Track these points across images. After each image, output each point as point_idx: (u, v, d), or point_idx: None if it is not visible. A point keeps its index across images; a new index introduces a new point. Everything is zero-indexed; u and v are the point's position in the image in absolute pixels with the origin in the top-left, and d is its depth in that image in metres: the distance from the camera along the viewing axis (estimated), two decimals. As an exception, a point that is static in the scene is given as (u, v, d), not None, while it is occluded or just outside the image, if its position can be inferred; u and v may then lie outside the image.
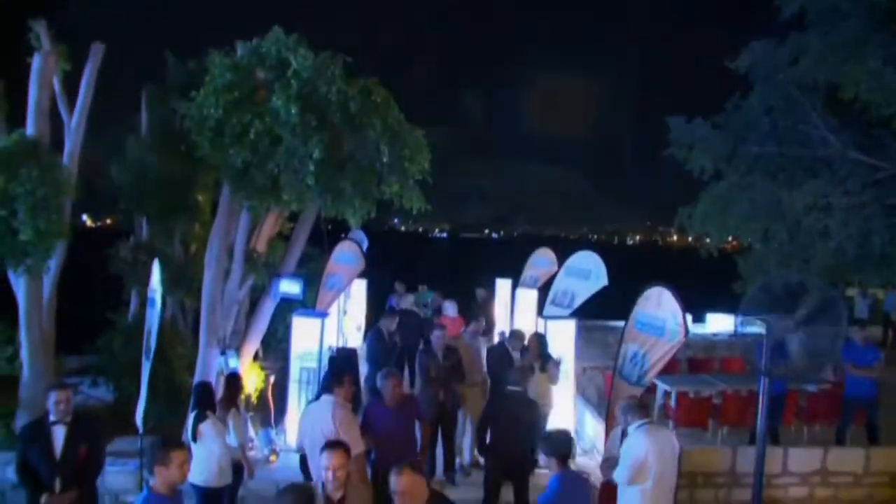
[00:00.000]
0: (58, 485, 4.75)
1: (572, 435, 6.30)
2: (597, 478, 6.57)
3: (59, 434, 4.81)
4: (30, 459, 4.80)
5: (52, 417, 4.82)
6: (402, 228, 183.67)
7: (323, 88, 6.83)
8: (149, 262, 8.16)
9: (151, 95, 9.80)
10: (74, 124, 8.06)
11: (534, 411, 6.48)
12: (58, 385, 5.04)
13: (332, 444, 3.94)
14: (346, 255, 9.35)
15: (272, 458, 7.53)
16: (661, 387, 9.03)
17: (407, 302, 12.18)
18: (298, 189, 7.07)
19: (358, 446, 5.08)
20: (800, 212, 10.06)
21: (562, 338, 8.60)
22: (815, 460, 7.47)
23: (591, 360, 11.16)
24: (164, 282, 6.97)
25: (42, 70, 7.48)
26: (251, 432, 7.00)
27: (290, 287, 8.67)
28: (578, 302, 10.02)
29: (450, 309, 11.16)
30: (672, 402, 8.72)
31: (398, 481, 3.52)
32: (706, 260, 12.83)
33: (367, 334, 9.09)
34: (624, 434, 5.52)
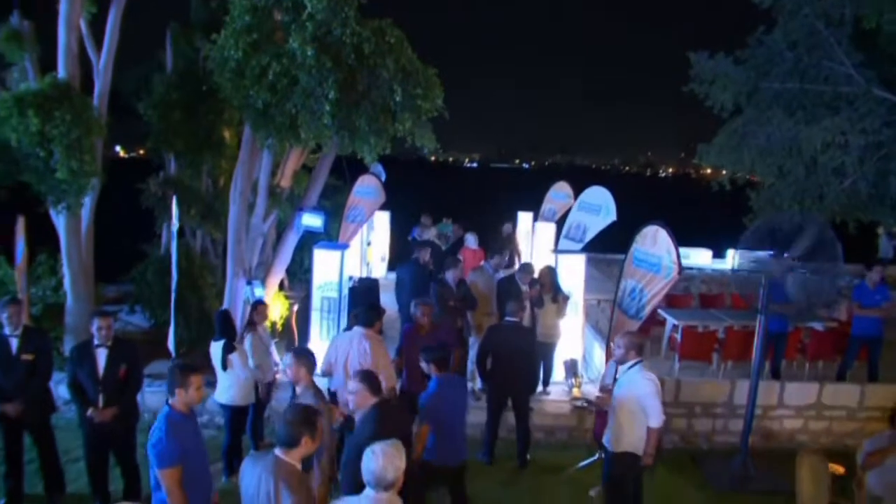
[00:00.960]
0: (101, 400, 5.34)
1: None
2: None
3: (101, 356, 5.37)
4: (79, 378, 5.38)
5: (95, 341, 5.37)
6: (432, 159, 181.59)
7: (337, 30, 6.93)
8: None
9: (175, 34, 9.95)
10: (102, 65, 8.30)
11: (530, 340, 6.85)
12: (100, 313, 5.59)
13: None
14: (368, 188, 9.65)
15: (296, 381, 8.06)
16: (670, 320, 9.28)
17: (430, 234, 12.50)
18: (316, 128, 7.26)
19: (391, 380, 5.59)
20: (816, 149, 9.92)
21: (572, 272, 8.86)
22: (811, 394, 7.76)
23: (607, 293, 11.31)
24: (183, 214, 7.21)
25: (69, 13, 7.64)
26: (276, 357, 7.51)
27: (311, 220, 8.95)
28: (590, 236, 10.30)
29: (471, 241, 11.47)
30: (678, 336, 8.98)
31: (351, 384, 4.36)
32: (732, 194, 12.72)
33: (399, 265, 9.43)
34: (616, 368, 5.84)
